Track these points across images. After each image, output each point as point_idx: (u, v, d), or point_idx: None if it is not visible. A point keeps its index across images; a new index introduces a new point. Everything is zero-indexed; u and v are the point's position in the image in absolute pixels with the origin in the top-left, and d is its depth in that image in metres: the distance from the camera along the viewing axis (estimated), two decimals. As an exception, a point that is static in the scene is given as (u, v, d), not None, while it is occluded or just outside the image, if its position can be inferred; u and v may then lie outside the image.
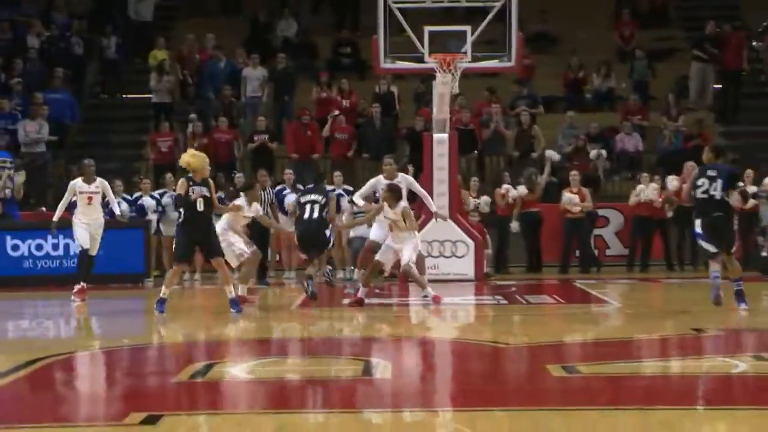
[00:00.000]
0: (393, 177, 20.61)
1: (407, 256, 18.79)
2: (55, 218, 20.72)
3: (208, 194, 17.80)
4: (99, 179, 20.50)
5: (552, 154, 27.54)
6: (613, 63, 31.52)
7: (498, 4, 24.06)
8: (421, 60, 24.27)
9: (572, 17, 32.66)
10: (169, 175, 25.45)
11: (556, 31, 32.75)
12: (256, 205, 20.31)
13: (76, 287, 20.42)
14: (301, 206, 19.90)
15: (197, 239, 18.02)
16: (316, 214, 19.43)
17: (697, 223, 17.05)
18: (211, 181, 18.27)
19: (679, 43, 32.46)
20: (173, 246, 19.35)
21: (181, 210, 18.16)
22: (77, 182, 20.41)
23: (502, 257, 25.80)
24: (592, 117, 29.78)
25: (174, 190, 21.61)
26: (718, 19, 31.17)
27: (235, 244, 19.24)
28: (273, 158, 28.19)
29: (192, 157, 18.14)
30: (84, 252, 20.50)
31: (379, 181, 20.78)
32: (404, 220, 18.62)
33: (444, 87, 23.98)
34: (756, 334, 15.97)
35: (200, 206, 17.62)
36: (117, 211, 21.59)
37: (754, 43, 32.28)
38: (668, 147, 28.29)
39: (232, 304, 18.05)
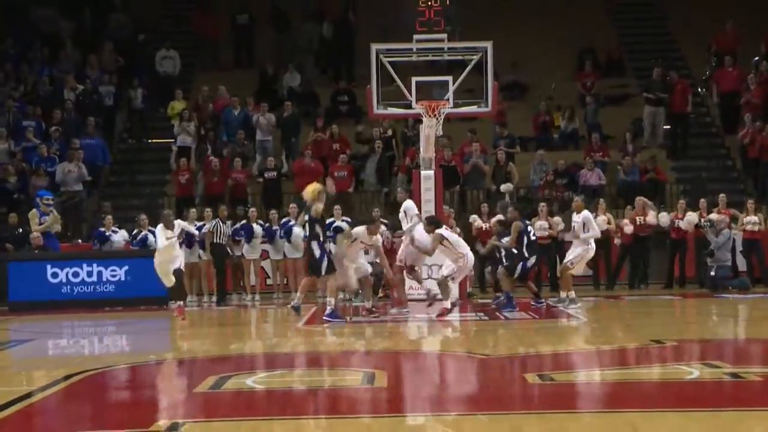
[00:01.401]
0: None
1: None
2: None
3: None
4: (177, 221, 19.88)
5: (507, 187, 27.73)
6: (576, 108, 31.57)
7: (475, 58, 24.07)
8: (409, 106, 24.23)
9: (540, 68, 32.66)
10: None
11: (526, 81, 32.73)
12: (375, 237, 20.10)
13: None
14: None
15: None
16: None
17: None
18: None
19: (633, 90, 32.47)
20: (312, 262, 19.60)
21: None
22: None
23: (484, 279, 25.65)
24: (559, 155, 29.76)
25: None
26: (666, 68, 31.33)
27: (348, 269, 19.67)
28: (281, 193, 28.12)
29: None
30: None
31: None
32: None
33: (430, 129, 23.93)
34: (706, 345, 15.95)
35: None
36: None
37: (699, 90, 32.31)
38: (626, 180, 28.28)
39: (332, 315, 18.87)
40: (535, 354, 15.27)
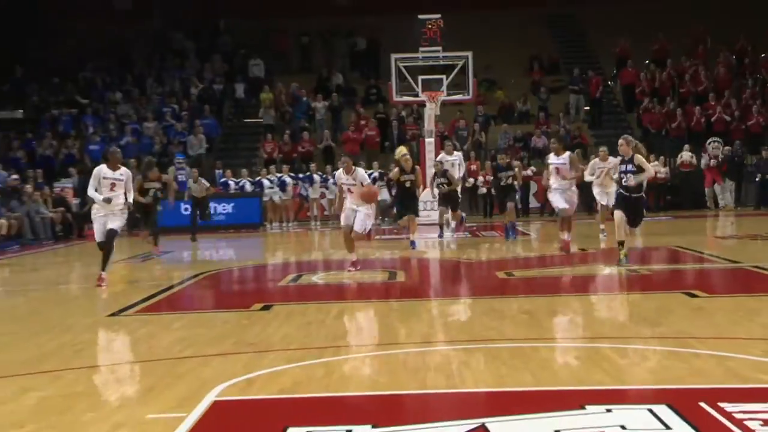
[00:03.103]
0: (450, 153, 20.07)
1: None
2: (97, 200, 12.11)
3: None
4: (124, 168, 12.25)
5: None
6: (528, 95, 31.43)
7: (461, 63, 24.04)
8: (417, 95, 24.25)
9: (504, 69, 32.41)
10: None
11: (494, 78, 32.46)
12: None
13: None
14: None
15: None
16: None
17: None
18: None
19: (565, 83, 32.20)
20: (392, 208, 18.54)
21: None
22: (102, 168, 12.15)
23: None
24: (517, 127, 29.64)
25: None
26: (586, 68, 31.31)
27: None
28: (333, 155, 28.11)
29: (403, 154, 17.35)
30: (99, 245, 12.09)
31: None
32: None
33: (431, 111, 23.98)
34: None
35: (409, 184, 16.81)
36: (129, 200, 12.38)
37: (609, 83, 32.09)
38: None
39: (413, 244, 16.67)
40: (501, 259, 15.35)
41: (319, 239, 21.83)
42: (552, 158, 15.00)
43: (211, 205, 22.16)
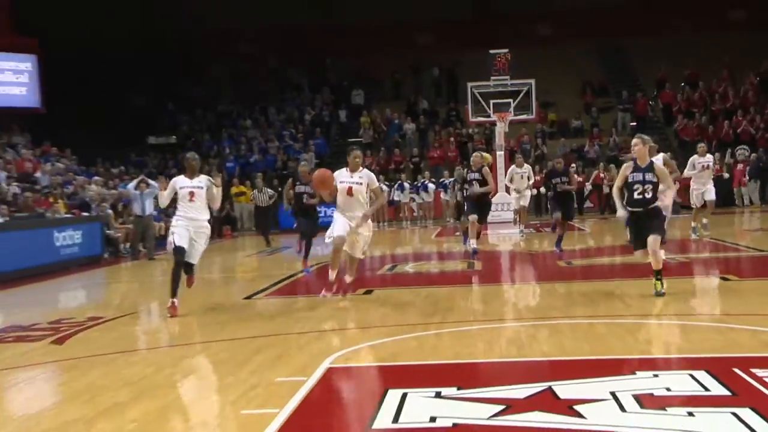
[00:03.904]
0: (521, 165, 16.92)
1: None
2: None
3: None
4: (203, 175, 9.05)
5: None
6: (581, 114, 30.82)
7: (525, 89, 23.83)
8: (489, 116, 24.09)
9: (561, 93, 31.88)
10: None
11: (553, 100, 31.93)
12: None
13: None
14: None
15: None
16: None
17: None
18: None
19: (614, 104, 31.43)
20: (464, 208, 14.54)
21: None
22: (178, 178, 9.07)
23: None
24: (572, 141, 29.12)
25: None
26: (632, 90, 30.58)
27: None
28: (420, 168, 28.08)
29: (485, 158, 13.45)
30: (178, 250, 8.66)
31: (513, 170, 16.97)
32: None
33: (500, 129, 23.82)
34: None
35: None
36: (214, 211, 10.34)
37: (650, 102, 31.18)
38: (611, 154, 27.59)
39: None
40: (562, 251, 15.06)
41: (409, 236, 21.85)
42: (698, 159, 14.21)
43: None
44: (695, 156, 14.89)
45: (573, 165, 23.10)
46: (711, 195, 14.51)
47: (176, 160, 29.04)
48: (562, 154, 27.70)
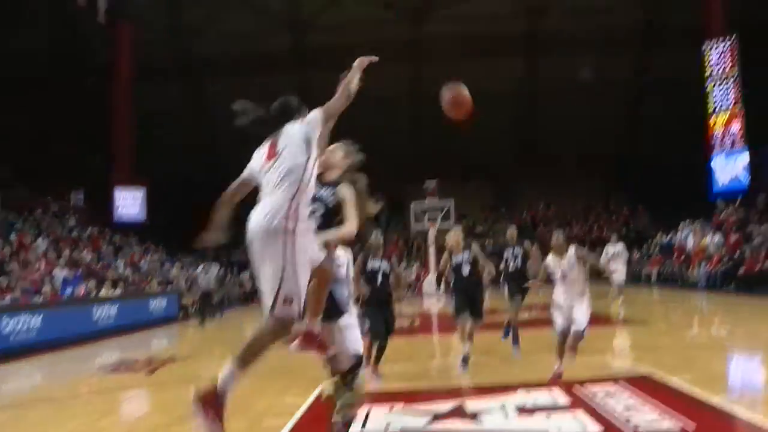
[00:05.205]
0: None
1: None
2: None
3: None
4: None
5: None
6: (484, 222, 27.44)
7: (446, 207, 22.54)
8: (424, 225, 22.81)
9: (470, 209, 28.24)
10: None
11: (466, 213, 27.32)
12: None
13: None
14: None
15: None
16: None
17: None
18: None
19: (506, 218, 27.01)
20: None
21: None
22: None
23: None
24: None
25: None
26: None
27: None
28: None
29: None
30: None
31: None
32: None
33: (432, 233, 22.37)
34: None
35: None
36: None
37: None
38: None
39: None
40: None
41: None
42: None
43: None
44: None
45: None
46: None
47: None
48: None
